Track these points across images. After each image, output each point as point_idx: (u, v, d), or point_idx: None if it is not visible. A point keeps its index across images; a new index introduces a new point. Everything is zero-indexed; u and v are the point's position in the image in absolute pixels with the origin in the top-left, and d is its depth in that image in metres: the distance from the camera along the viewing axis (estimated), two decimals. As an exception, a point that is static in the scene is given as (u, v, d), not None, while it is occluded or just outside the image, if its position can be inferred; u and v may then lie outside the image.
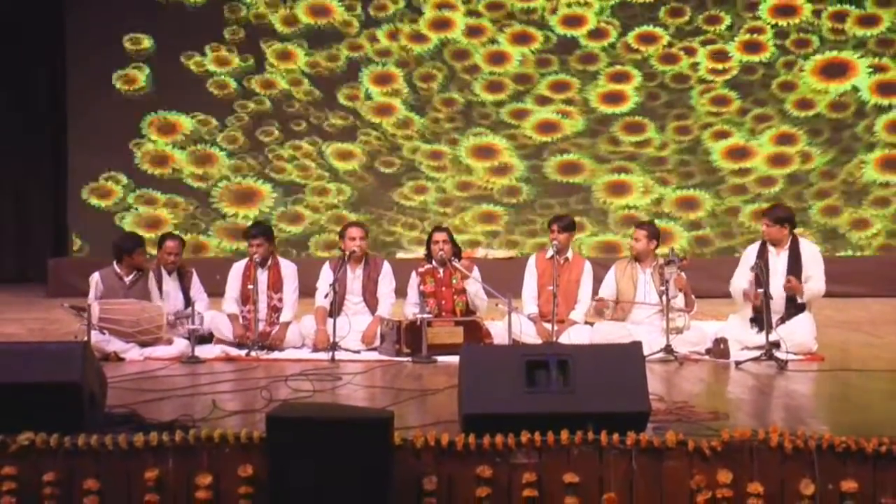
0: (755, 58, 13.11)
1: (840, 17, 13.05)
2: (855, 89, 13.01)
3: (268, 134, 13.27)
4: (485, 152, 13.40)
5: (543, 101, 13.35)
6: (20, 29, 13.26)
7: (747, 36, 13.10)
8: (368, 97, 13.27)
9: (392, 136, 13.33)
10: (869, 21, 13.03)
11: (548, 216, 13.13)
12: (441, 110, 13.35)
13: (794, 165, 13.19)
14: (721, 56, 13.14)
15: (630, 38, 13.25)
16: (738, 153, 13.22)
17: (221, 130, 13.20)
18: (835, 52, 13.04)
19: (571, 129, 13.36)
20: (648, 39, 13.29)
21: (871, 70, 12.98)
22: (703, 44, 13.17)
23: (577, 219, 12.99)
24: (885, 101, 13.00)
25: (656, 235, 7.84)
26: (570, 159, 13.47)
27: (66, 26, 13.02)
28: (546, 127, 13.41)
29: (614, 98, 13.36)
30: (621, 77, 13.30)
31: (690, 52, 13.19)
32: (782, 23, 13.09)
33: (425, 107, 13.34)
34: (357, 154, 13.29)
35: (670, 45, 13.21)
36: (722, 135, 13.20)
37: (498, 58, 13.37)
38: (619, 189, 13.39)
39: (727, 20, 13.12)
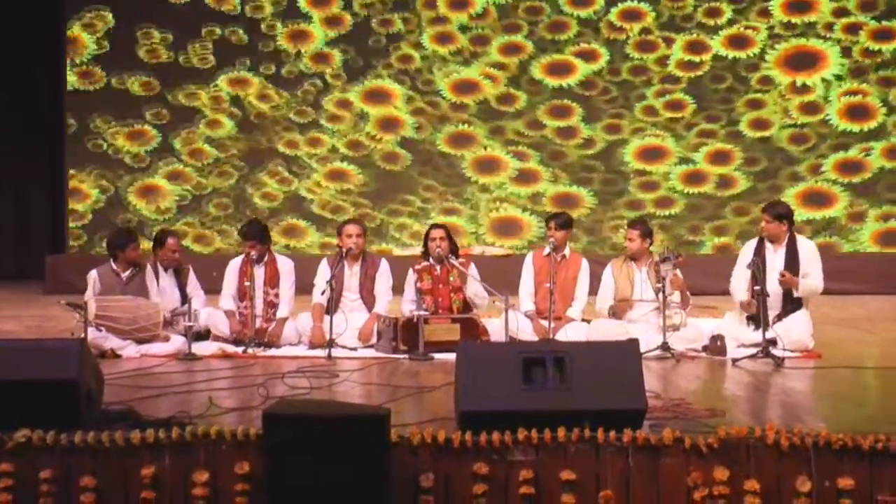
0: (741, 54, 12.37)
1: (853, 28, 12.30)
2: (825, 121, 12.28)
3: (205, 62, 12.73)
4: (378, 97, 12.63)
5: (474, 57, 12.53)
6: (20, 29, 13.23)
7: (735, 29, 12.38)
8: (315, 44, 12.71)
9: (324, 84, 12.73)
10: (883, 35, 12.26)
11: (427, 195, 12.54)
12: (393, 65, 12.65)
13: (705, 187, 12.42)
14: (698, 47, 12.37)
15: (613, 14, 12.46)
16: (651, 160, 12.45)
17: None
18: (803, 40, 12.33)
19: (494, 97, 12.51)
20: (632, 16, 12.45)
21: (846, 92, 12.32)
22: (686, 32, 12.40)
23: (452, 204, 12.53)
24: (855, 128, 12.27)
25: (649, 234, 7.84)
26: (464, 131, 12.54)
27: (66, 25, 12.99)
28: (464, 88, 12.59)
29: (559, 70, 12.49)
30: (586, 56, 12.48)
31: (669, 42, 12.42)
32: (796, 20, 12.32)
33: (368, 56, 12.66)
34: (276, 100, 12.70)
35: (648, 30, 12.42)
36: (651, 154, 12.40)
37: (460, 3, 12.59)
38: (487, 167, 12.56)
39: (728, 13, 12.39)
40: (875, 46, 12.38)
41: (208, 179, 12.84)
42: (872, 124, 12.38)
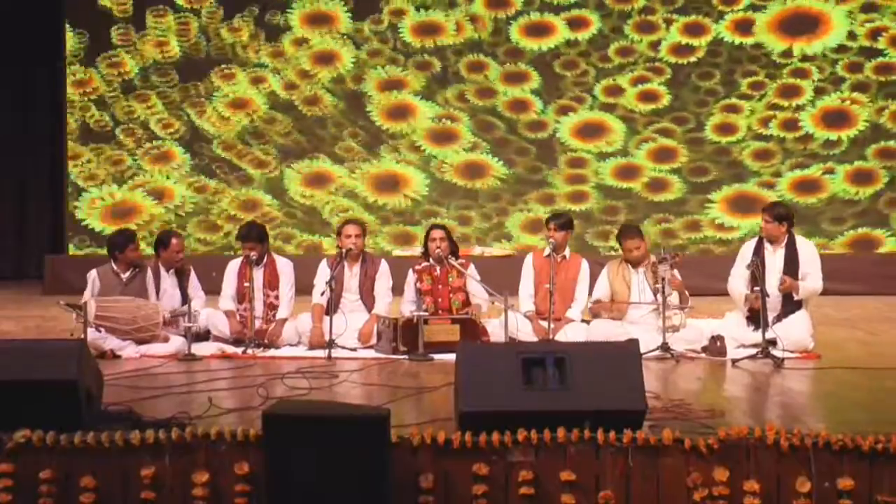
0: (747, 40, 11.72)
1: (875, 33, 11.77)
2: (800, 138, 11.63)
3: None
4: (321, 20, 12.15)
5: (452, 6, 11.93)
6: (20, 29, 13.25)
7: (742, 14, 11.75)
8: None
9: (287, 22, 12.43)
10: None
11: (337, 151, 12.03)
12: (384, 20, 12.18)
13: (633, 183, 11.69)
14: (696, 29, 11.72)
15: None
16: (589, 139, 11.71)
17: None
18: (800, 1, 11.63)
19: (449, 45, 11.89)
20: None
21: (836, 101, 11.81)
22: (686, 15, 11.76)
23: (365, 166, 11.92)
24: (833, 136, 11.73)
25: (643, 235, 7.85)
26: (395, 75, 11.88)
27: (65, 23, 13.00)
28: (423, 30, 11.97)
29: (536, 31, 11.82)
30: (576, 23, 11.83)
31: (669, 23, 11.80)
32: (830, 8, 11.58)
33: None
34: (242, 34, 12.43)
35: (652, 9, 11.81)
36: (591, 130, 11.78)
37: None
38: (397, 114, 11.92)
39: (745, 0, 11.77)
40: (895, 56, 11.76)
41: (132, 104, 12.65)
42: (852, 132, 11.86)
